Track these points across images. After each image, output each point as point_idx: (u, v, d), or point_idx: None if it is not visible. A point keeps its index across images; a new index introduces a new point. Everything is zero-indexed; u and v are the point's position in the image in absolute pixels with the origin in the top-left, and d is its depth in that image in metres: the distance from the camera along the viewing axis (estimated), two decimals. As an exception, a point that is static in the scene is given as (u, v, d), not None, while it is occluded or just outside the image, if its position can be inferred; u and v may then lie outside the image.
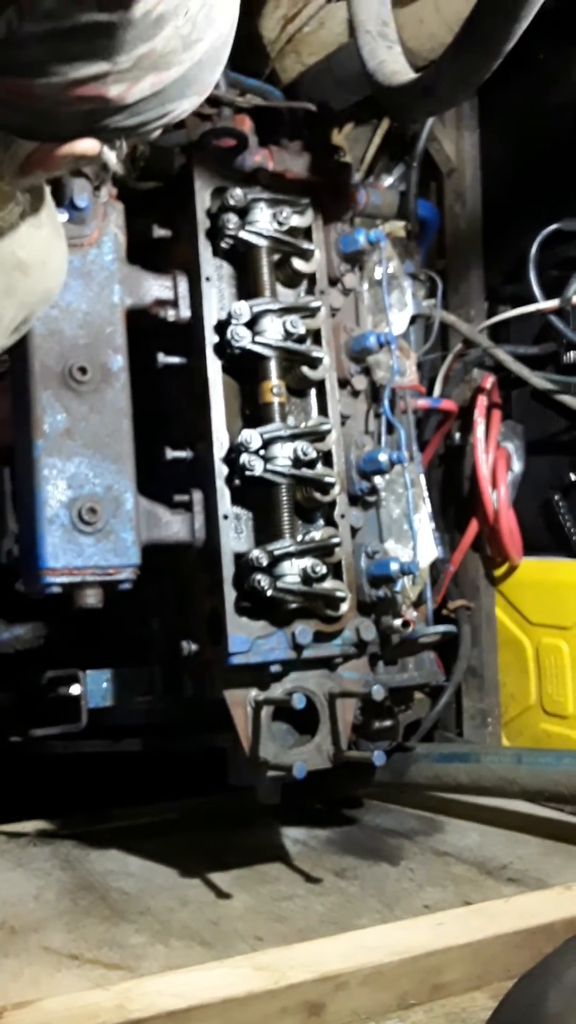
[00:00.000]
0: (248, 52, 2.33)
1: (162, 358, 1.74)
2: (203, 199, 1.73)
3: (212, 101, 2.11)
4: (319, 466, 1.74)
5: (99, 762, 2.10)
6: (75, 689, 1.79)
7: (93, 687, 1.81)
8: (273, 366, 1.72)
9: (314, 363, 1.76)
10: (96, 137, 0.94)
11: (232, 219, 1.70)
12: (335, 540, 1.72)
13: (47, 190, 1.19)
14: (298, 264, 1.78)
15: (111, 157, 0.99)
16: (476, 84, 1.53)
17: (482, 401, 2.35)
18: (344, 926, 1.56)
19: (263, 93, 2.21)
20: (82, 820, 2.07)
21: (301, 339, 1.75)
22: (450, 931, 1.38)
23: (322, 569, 1.67)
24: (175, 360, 1.75)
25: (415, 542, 1.92)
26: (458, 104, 2.36)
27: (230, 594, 1.65)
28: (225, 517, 1.68)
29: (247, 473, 1.65)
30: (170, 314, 1.74)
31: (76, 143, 0.94)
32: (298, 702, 1.59)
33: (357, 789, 2.20)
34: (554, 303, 2.18)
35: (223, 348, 1.70)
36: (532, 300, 2.25)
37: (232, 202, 1.71)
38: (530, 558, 2.36)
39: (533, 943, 1.39)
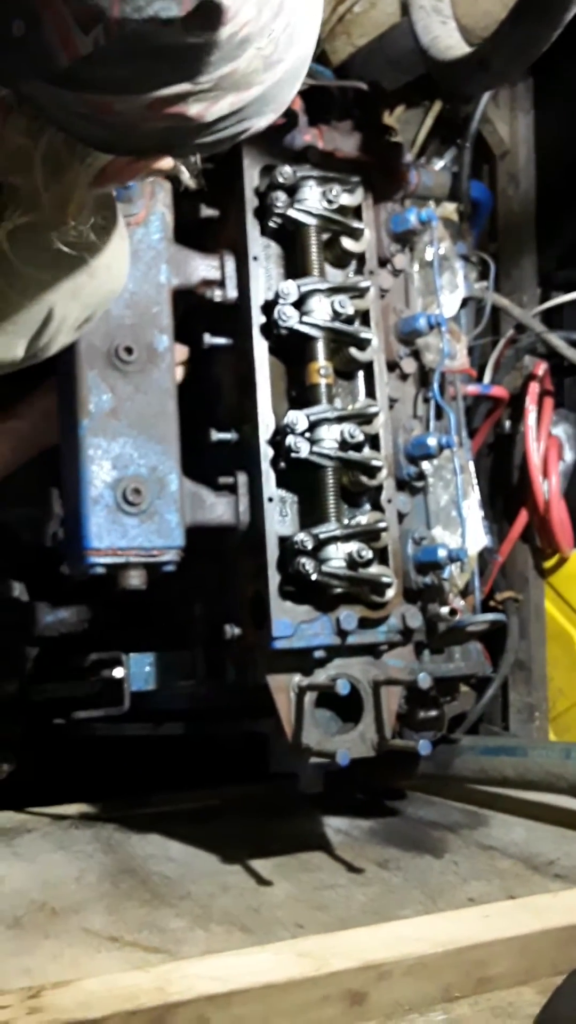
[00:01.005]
0: (298, 34, 2.31)
1: (208, 339, 1.72)
2: (251, 177, 1.71)
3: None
4: (366, 449, 1.71)
5: (141, 746, 2.09)
6: (118, 672, 1.78)
7: (136, 670, 1.79)
8: (320, 347, 1.69)
9: (362, 344, 1.73)
10: (172, 154, 0.95)
11: (281, 197, 1.68)
12: (382, 525, 1.69)
13: (116, 202, 1.20)
14: (347, 243, 1.75)
15: (185, 173, 1.00)
16: (534, 56, 1.49)
17: (534, 388, 2.30)
18: (386, 916, 1.53)
19: (313, 73, 2.18)
20: (124, 804, 2.07)
21: (349, 320, 1.72)
22: (497, 924, 1.34)
23: (368, 554, 1.64)
24: (221, 341, 1.73)
25: (464, 528, 1.88)
26: (515, 78, 2.32)
27: (274, 578, 1.62)
28: (270, 500, 1.65)
29: (293, 455, 1.63)
30: (217, 294, 1.72)
31: (154, 159, 0.95)
32: (342, 688, 1.57)
33: (401, 780, 2.17)
34: (610, 287, 2.13)
35: (270, 328, 1.68)
36: (587, 285, 2.21)
37: (281, 180, 1.68)
38: (581, 550, 2.31)
39: (582, 939, 1.35)
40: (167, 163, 0.97)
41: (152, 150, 0.94)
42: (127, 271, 1.34)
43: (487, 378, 2.36)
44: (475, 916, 1.37)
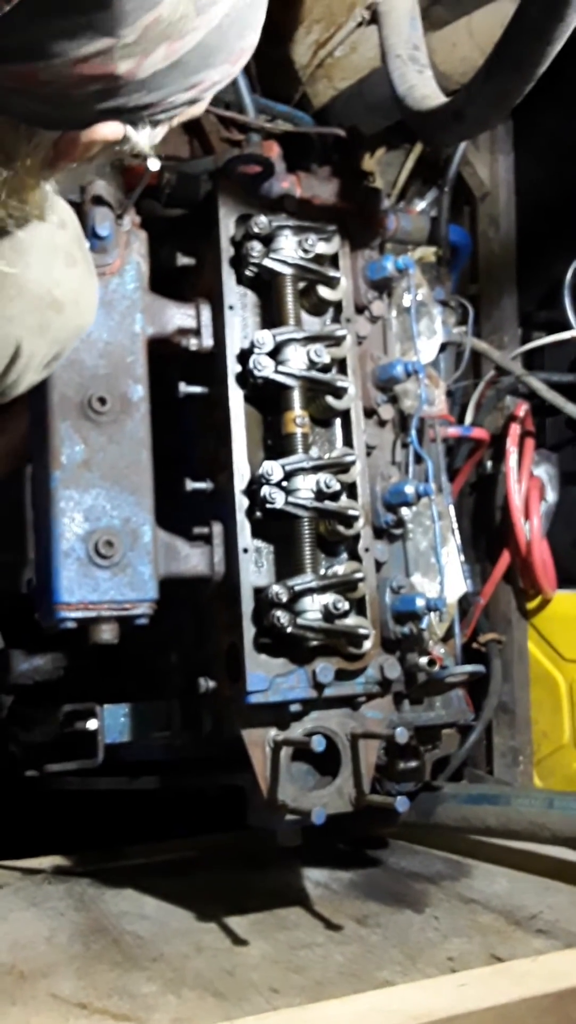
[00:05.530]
0: (279, 77, 2.31)
1: (183, 387, 1.70)
2: (227, 226, 1.70)
3: (241, 127, 2.11)
4: (343, 498, 1.69)
5: (117, 798, 2.05)
6: (92, 724, 1.75)
7: (110, 722, 1.76)
8: (296, 396, 1.67)
9: (339, 392, 1.71)
10: (117, 119, 0.89)
11: (256, 247, 1.67)
12: (358, 575, 1.67)
13: (57, 198, 1.15)
14: (324, 292, 1.74)
15: (140, 139, 0.93)
16: (508, 108, 1.49)
17: (515, 429, 2.29)
18: (364, 978, 1.50)
19: (292, 119, 2.20)
20: (98, 857, 2.03)
21: (326, 368, 1.70)
22: (473, 993, 1.31)
23: (344, 605, 1.62)
24: (196, 390, 1.71)
25: (442, 577, 1.86)
26: (489, 128, 2.32)
27: (249, 630, 1.60)
28: (245, 551, 1.63)
29: (268, 506, 1.61)
30: (192, 343, 1.70)
31: (97, 128, 0.89)
32: (317, 744, 1.54)
33: (382, 829, 2.13)
34: (589, 330, 2.13)
35: (245, 377, 1.67)
36: (567, 327, 2.20)
37: (256, 230, 1.67)
38: (564, 591, 2.29)
39: (561, 1007, 1.32)
40: (115, 131, 0.90)
41: (92, 117, 0.89)
42: (95, 306, 1.32)
43: (468, 419, 2.35)
44: (452, 985, 1.34)
